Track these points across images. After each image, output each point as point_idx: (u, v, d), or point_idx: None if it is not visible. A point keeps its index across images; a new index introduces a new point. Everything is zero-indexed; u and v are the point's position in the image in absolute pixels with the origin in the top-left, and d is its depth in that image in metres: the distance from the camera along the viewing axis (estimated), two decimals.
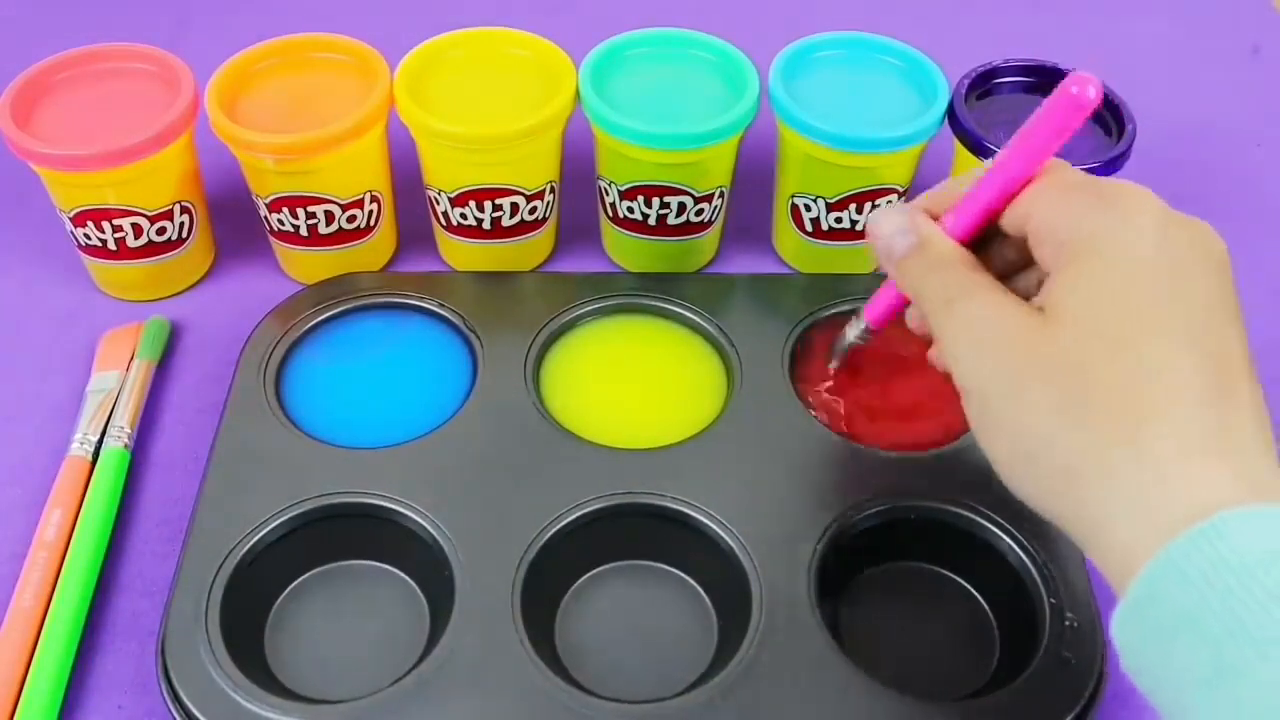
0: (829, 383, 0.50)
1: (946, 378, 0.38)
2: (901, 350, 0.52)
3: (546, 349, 0.52)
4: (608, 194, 0.56)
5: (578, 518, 0.45)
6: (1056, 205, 0.35)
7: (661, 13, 0.59)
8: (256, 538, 0.44)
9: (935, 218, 0.39)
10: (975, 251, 0.38)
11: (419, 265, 0.59)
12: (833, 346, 0.49)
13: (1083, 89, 0.34)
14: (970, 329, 0.35)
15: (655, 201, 0.55)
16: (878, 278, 0.58)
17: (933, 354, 0.43)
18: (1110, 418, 0.32)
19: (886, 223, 0.39)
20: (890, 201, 0.55)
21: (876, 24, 0.59)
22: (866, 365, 0.51)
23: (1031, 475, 0.34)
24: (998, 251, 0.39)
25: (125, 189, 0.53)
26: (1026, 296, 0.36)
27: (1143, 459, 0.31)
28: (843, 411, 0.49)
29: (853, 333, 0.47)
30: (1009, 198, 0.37)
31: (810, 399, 0.50)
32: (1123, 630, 0.30)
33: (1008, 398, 0.34)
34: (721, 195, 0.56)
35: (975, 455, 0.47)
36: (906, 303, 0.43)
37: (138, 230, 0.54)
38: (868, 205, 0.55)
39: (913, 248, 0.38)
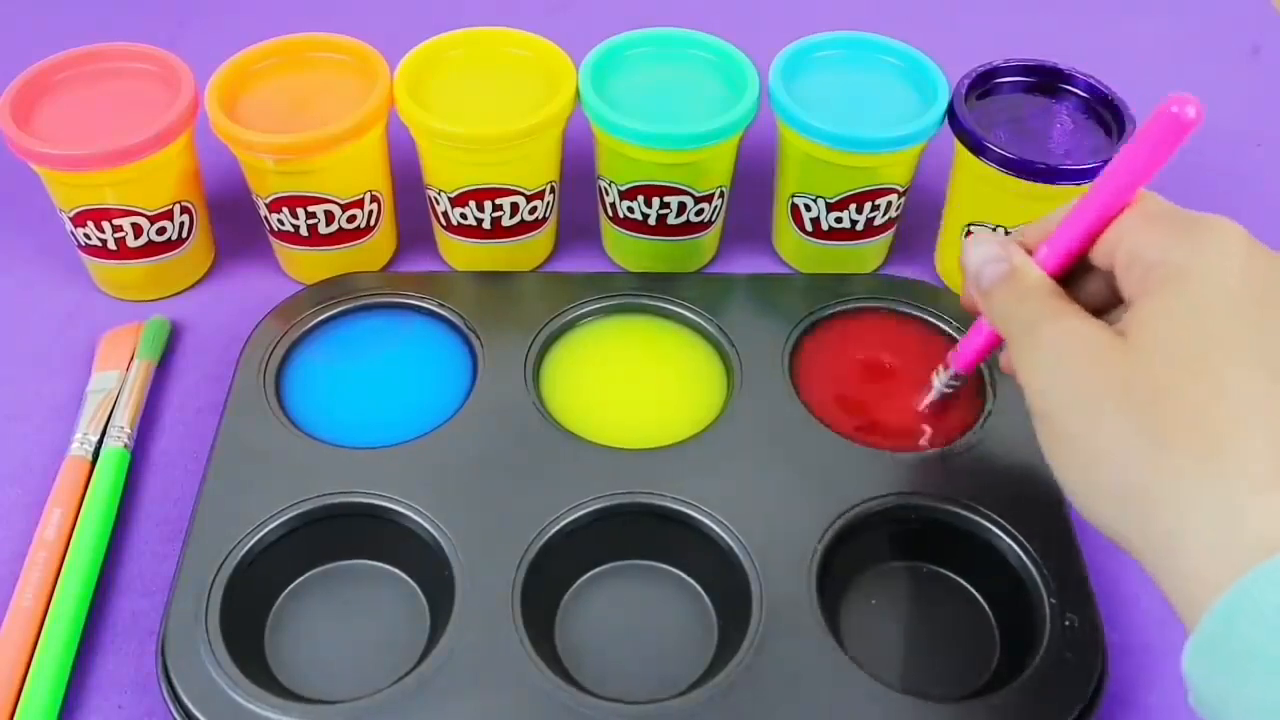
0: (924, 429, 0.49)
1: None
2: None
3: (546, 349, 0.52)
4: (608, 194, 0.56)
5: (578, 518, 0.45)
6: (1143, 233, 0.35)
7: (661, 13, 0.59)
8: (256, 538, 0.44)
9: (1030, 251, 0.39)
10: (1066, 287, 0.38)
11: (419, 265, 0.59)
12: (923, 397, 0.48)
13: (1183, 108, 0.34)
14: (1050, 350, 0.35)
15: (655, 201, 0.55)
16: (877, 278, 0.58)
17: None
18: (1186, 441, 0.31)
19: (979, 251, 0.39)
20: (890, 200, 0.55)
21: (876, 24, 0.59)
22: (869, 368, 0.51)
23: (1102, 496, 0.33)
24: (1088, 287, 0.39)
25: (125, 189, 0.53)
26: None
27: (1218, 485, 0.30)
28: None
29: (940, 381, 0.47)
30: (1102, 228, 0.37)
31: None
32: (1195, 664, 0.30)
33: (1082, 417, 0.33)
34: (721, 195, 0.56)
35: (975, 455, 0.48)
36: (994, 345, 0.43)
37: (138, 230, 0.54)
38: (868, 205, 0.55)
39: (1003, 275, 0.38)
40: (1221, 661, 0.29)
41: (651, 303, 0.54)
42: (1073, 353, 0.35)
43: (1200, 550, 0.30)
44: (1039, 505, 0.46)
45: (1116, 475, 0.32)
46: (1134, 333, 0.34)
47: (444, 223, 0.56)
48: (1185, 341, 0.32)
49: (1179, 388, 0.32)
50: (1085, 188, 0.52)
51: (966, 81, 0.55)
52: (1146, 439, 0.32)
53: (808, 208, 0.56)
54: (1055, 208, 0.53)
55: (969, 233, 0.55)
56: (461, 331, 0.53)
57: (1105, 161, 0.51)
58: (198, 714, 0.39)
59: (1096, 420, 0.33)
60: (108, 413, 0.51)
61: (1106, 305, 0.38)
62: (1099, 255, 0.37)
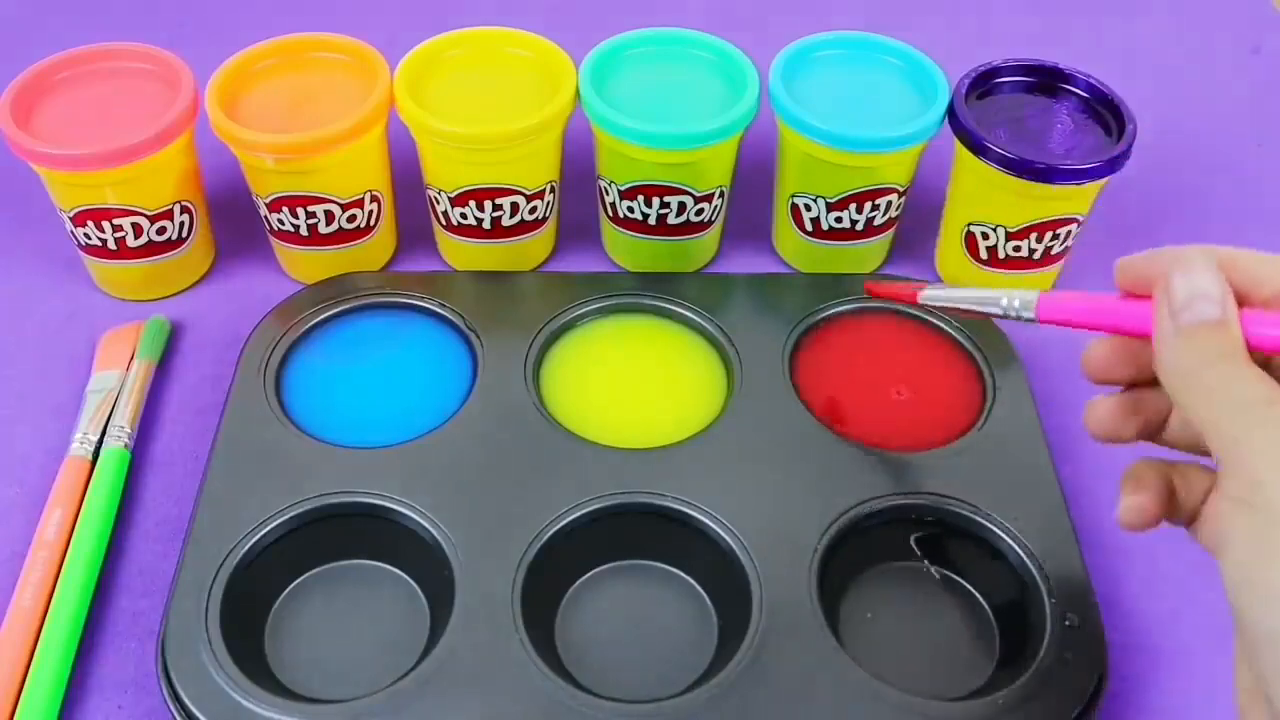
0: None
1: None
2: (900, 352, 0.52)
3: (546, 349, 0.52)
4: (608, 194, 0.56)
5: (578, 518, 0.45)
6: None
7: (661, 13, 0.59)
8: (256, 538, 0.44)
9: (1237, 294, 0.31)
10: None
11: (419, 265, 0.59)
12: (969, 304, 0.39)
13: None
14: None
15: (655, 201, 0.55)
16: (877, 278, 0.58)
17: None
18: None
19: (1194, 281, 0.31)
20: (890, 200, 0.55)
21: (876, 24, 0.59)
22: (865, 361, 0.51)
23: None
24: None
25: (125, 189, 0.53)
26: None
27: None
28: None
29: (1024, 312, 0.36)
30: None
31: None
32: None
33: None
34: (721, 195, 0.56)
35: (975, 455, 0.48)
36: (1119, 333, 0.34)
37: (138, 230, 0.54)
38: (868, 205, 0.55)
39: (1213, 321, 0.30)
40: None
41: (651, 303, 0.54)
42: None
43: None
44: (1039, 505, 0.46)
45: None
46: None
47: (444, 222, 0.56)
48: None
49: None
50: (1085, 187, 0.52)
51: (966, 81, 0.55)
52: None
53: (808, 208, 0.56)
54: (1055, 208, 0.53)
55: (969, 233, 0.55)
56: (461, 331, 0.53)
57: (1106, 161, 0.51)
58: (198, 714, 0.39)
59: None
60: (108, 412, 0.51)
61: None
62: None
